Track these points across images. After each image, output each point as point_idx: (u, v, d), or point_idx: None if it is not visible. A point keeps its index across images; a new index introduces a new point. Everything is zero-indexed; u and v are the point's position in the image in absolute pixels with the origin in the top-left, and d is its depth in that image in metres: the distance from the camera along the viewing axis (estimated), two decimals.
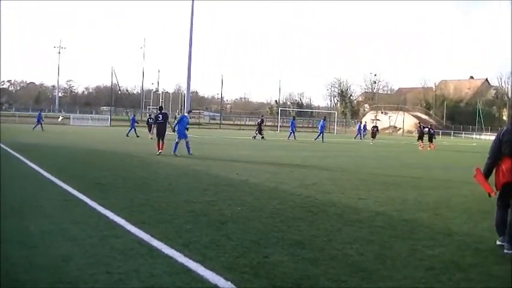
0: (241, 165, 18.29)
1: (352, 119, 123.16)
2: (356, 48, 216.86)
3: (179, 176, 14.71)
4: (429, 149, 39.42)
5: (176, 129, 22.76)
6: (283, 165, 19.07)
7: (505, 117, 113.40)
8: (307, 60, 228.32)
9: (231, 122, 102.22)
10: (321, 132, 44.32)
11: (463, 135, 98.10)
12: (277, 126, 79.09)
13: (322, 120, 46.73)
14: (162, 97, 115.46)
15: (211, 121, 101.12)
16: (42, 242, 6.78)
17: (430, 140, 40.97)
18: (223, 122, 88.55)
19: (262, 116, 52.06)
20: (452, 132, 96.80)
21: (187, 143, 22.47)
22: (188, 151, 22.22)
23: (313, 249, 6.90)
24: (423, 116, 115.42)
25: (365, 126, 47.15)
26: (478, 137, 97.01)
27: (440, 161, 26.82)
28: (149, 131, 37.43)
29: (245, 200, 10.72)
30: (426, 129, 43.00)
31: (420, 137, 41.48)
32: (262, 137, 43.25)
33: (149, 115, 43.51)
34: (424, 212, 10.16)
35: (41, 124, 42.30)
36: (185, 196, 10.85)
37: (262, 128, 44.93)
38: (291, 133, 45.22)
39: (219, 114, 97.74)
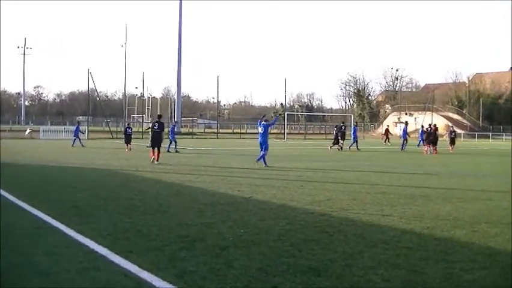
0: (243, 181, 18.29)
1: (371, 122, 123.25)
2: (373, 39, 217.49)
3: (170, 194, 14.71)
4: (450, 151, 42.60)
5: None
6: (292, 179, 19.06)
7: None
8: (316, 55, 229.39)
9: (230, 130, 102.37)
10: (355, 139, 45.08)
11: (504, 137, 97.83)
12: (283, 133, 78.88)
13: (354, 126, 47.96)
14: (148, 103, 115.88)
15: (207, 130, 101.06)
16: (7, 278, 6.75)
17: (452, 143, 44.43)
18: (220, 130, 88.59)
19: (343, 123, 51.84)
20: (491, 134, 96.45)
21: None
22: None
23: (330, 276, 6.88)
24: (456, 116, 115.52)
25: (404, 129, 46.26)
26: None
27: (475, 168, 26.81)
28: (127, 143, 38.22)
29: (248, 221, 10.72)
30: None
31: (453, 141, 42.33)
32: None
33: (128, 124, 43.23)
34: (460, 229, 10.14)
35: None
36: (178, 218, 10.84)
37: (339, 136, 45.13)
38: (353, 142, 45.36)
39: (216, 122, 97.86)
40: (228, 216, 11.24)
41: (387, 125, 66.25)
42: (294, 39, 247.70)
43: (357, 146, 44.32)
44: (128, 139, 38.74)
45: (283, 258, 7.70)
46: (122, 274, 6.85)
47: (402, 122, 66.62)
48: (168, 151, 34.82)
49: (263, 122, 25.20)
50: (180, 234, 9.22)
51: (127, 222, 10.30)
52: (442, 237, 9.34)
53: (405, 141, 45.67)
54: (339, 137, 43.94)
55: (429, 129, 41.95)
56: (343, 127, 44.75)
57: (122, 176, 19.99)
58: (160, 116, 28.19)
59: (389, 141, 56.20)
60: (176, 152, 35.46)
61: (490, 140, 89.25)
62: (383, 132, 60.35)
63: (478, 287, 6.56)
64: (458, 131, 47.97)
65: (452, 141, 44.65)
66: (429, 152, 39.94)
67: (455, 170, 25.39)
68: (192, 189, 15.99)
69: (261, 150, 24.74)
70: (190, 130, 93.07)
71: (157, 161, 25.06)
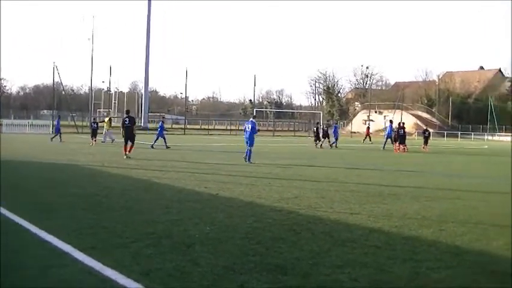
0: (210, 177, 18.27)
1: (340, 119, 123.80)
2: (344, 36, 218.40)
3: (137, 191, 14.63)
4: (424, 150, 42.95)
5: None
6: (260, 177, 19.08)
7: None
8: (286, 52, 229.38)
9: (198, 126, 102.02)
10: (336, 136, 46.30)
11: (472, 136, 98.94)
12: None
13: (335, 125, 49.17)
14: (115, 98, 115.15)
15: (174, 125, 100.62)
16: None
17: (426, 142, 45.14)
18: (188, 126, 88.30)
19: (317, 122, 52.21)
20: (459, 133, 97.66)
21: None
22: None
23: (297, 275, 6.90)
24: (425, 115, 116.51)
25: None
26: (490, 138, 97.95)
27: (444, 167, 27.09)
28: (92, 137, 39.05)
29: (215, 218, 10.70)
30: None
31: (426, 141, 43.19)
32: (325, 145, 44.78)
33: (94, 119, 43.53)
34: (427, 228, 10.24)
35: None
36: (144, 215, 10.79)
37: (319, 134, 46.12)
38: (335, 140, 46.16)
39: (183, 118, 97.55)
40: (194, 213, 11.21)
41: (369, 123, 66.70)
42: (264, 35, 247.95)
43: (336, 145, 45.13)
44: (94, 134, 39.47)
45: (250, 256, 7.70)
46: (86, 271, 6.80)
47: (370, 121, 66.96)
48: (152, 147, 35.20)
49: (251, 119, 26.71)
50: (146, 231, 9.18)
51: (92, 219, 10.22)
52: (410, 236, 9.42)
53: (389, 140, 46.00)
54: (321, 135, 45.03)
55: (397, 128, 42.34)
56: (326, 126, 46.30)
57: (88, 171, 19.84)
58: (128, 111, 28.82)
59: (370, 140, 56.77)
60: (167, 147, 35.69)
61: (459, 139, 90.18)
62: (366, 131, 61.41)
63: (444, 286, 6.62)
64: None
65: (426, 141, 45.03)
66: (400, 151, 40.33)
67: (424, 168, 25.60)
68: (159, 185, 15.94)
69: (248, 146, 25.63)
70: (157, 126, 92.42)
71: (129, 152, 25.94)
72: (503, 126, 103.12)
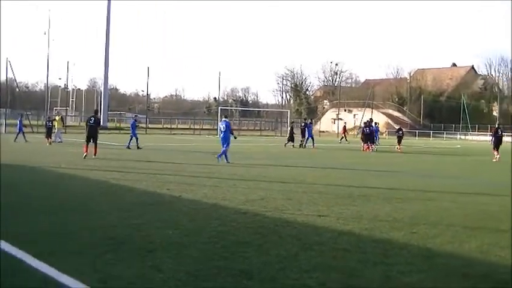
0: (173, 179, 18.21)
1: (308, 118, 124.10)
2: (312, 32, 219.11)
3: (96, 193, 14.56)
4: (398, 150, 42.73)
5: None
6: (225, 178, 19.06)
7: (495, 113, 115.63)
8: (252, 47, 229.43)
9: (160, 125, 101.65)
10: (310, 136, 45.83)
11: (445, 135, 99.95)
12: (216, 129, 78.80)
13: (309, 123, 48.33)
14: (73, 95, 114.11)
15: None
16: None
17: (399, 142, 44.61)
18: (150, 125, 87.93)
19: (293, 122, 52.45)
20: (431, 132, 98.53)
21: None
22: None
23: (263, 280, 6.90)
24: (396, 114, 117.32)
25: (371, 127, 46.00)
26: (462, 137, 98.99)
27: (416, 167, 27.33)
28: (47, 136, 39.16)
29: (178, 221, 10.68)
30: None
31: (400, 141, 43.38)
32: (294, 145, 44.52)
33: (49, 117, 43.10)
34: (399, 231, 10.32)
35: None
36: (103, 219, 10.72)
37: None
38: (308, 138, 45.89)
39: (145, 116, 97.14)
40: (156, 216, 11.17)
41: (345, 122, 66.95)
42: (229, 31, 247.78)
43: (304, 144, 45.19)
44: (49, 133, 39.50)
45: (214, 261, 7.68)
46: (40, 279, 6.73)
47: (339, 119, 67.27)
48: (128, 147, 35.46)
49: (224, 119, 27.64)
50: (105, 236, 9.11)
51: (48, 223, 10.14)
52: (380, 239, 9.48)
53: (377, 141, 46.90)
54: (293, 134, 45.25)
55: (364, 125, 42.78)
56: (303, 124, 46.79)
57: (44, 173, 19.66)
58: (96, 112, 29.43)
59: (346, 139, 57.04)
60: (138, 148, 35.45)
61: (431, 138, 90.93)
62: (342, 130, 61.70)
63: None
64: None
65: (400, 140, 44.99)
66: (371, 150, 40.72)
67: (395, 169, 25.80)
68: (119, 187, 15.85)
69: (223, 147, 26.22)
70: (118, 125, 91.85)
71: (95, 155, 26.06)
72: (476, 125, 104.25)
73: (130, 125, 39.67)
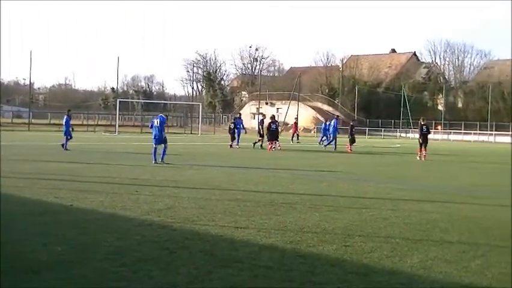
0: (63, 184, 18.00)
1: (224, 112, 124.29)
2: (228, 12, 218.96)
3: None
4: (349, 151, 43.77)
5: None
6: (125, 183, 18.94)
7: (440, 107, 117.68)
8: (157, 29, 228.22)
9: (46, 121, 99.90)
10: (335, 136, 46.08)
11: (383, 132, 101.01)
12: (114, 125, 78.14)
13: (334, 120, 48.56)
14: None
15: (16, 120, 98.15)
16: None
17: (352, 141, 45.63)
18: (33, 120, 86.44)
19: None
20: (367, 129, 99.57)
21: None
22: None
23: None
24: (326, 107, 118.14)
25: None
26: (403, 135, 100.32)
27: (349, 170, 27.65)
28: None
29: (68, 235, 10.57)
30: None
31: (353, 140, 43.98)
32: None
33: None
34: (330, 244, 10.44)
35: None
36: None
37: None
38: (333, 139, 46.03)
39: (27, 110, 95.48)
40: (43, 229, 11.03)
41: (296, 118, 66.92)
42: (128, 9, 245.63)
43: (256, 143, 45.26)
44: None
45: (113, 282, 7.64)
46: None
47: (260, 114, 67.33)
48: (66, 149, 34.86)
49: (160, 114, 28.70)
50: None
51: None
52: (308, 254, 9.57)
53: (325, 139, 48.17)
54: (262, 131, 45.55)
55: (270, 122, 43.20)
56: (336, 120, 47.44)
57: None
58: None
59: (298, 138, 57.17)
60: (66, 149, 34.93)
61: (367, 136, 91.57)
62: (293, 127, 61.62)
63: None
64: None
65: (353, 140, 45.15)
66: (274, 149, 41.52)
67: (325, 171, 26.07)
68: None
69: (155, 144, 27.30)
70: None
71: None
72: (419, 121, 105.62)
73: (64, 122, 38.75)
